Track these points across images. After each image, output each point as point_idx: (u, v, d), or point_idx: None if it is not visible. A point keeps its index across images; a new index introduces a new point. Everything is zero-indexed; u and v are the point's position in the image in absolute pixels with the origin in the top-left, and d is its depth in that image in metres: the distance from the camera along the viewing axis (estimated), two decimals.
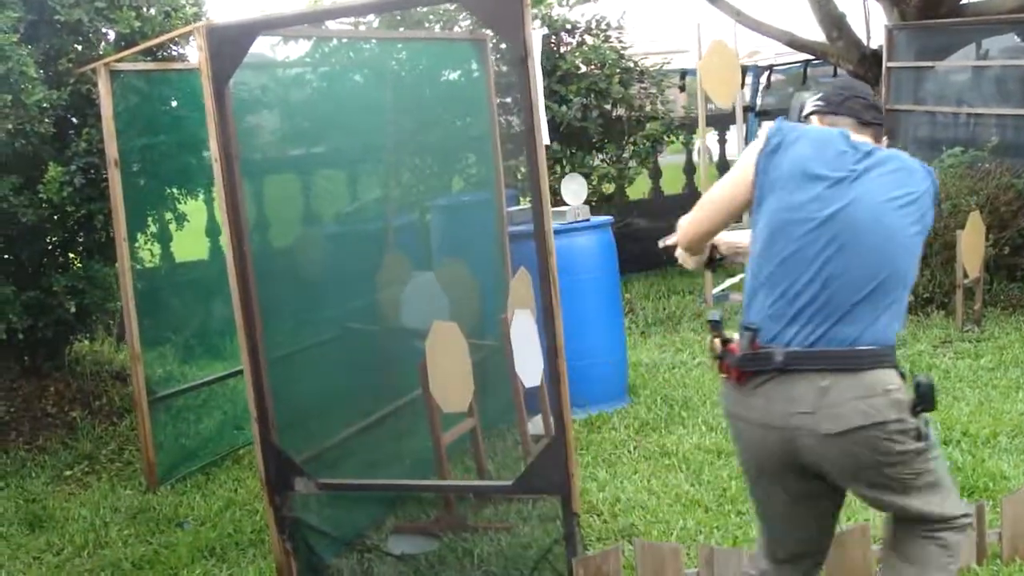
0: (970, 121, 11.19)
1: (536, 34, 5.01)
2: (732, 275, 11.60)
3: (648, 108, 11.40)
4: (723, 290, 10.51)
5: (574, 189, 7.47)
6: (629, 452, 6.48)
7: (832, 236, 3.16)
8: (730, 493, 5.65)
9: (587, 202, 10.16)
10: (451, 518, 5.51)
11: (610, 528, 5.39)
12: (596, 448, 6.57)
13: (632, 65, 11.30)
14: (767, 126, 3.32)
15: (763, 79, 13.61)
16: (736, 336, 3.27)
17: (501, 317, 5.70)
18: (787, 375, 3.15)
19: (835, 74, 14.58)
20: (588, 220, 7.42)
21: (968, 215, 8.71)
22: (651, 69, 11.61)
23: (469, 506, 5.65)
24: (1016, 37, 11.52)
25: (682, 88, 13.31)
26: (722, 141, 13.52)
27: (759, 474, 3.37)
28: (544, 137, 4.77)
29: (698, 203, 3.53)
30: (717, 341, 3.29)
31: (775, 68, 14.20)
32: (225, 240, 4.62)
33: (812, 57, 13.85)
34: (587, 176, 10.40)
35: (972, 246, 8.63)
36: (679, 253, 3.74)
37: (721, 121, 13.49)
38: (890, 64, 11.75)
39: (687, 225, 3.54)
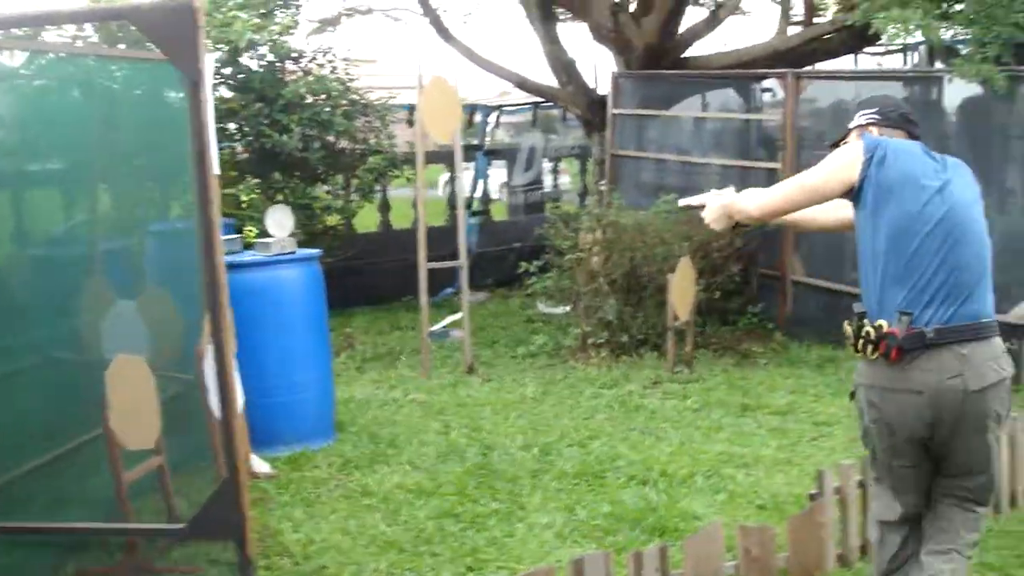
0: (689, 169, 11.55)
1: (209, 57, 4.82)
2: (454, 311, 11.61)
3: (372, 141, 11.30)
4: (444, 327, 10.47)
5: (278, 220, 7.24)
6: (329, 491, 6.29)
7: (947, 233, 3.82)
8: (426, 534, 5.54)
9: (311, 234, 9.96)
10: (136, 562, 5.21)
11: (301, 570, 5.20)
12: (296, 487, 6.34)
13: (357, 98, 11.16)
14: (864, 139, 3.95)
15: (492, 118, 13.71)
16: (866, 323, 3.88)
17: (196, 349, 5.44)
18: (934, 348, 3.78)
19: (564, 118, 14.86)
20: (294, 252, 7.21)
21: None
22: (376, 103, 11.50)
23: (156, 549, 5.36)
24: (734, 92, 11.96)
25: (410, 123, 13.24)
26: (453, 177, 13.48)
27: (896, 435, 3.92)
28: (215, 166, 4.62)
29: (788, 185, 4.14)
30: (871, 329, 3.85)
31: (504, 108, 14.34)
32: None
33: (542, 100, 14.05)
34: (308, 208, 10.21)
35: (682, 291, 8.84)
36: (709, 213, 4.39)
37: (450, 158, 13.56)
38: (615, 111, 12.03)
39: (772, 200, 4.15)
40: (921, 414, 3.81)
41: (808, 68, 12.59)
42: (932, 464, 3.97)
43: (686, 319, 8.99)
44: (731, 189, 4.44)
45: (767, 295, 10.50)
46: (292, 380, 7.08)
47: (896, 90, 10.09)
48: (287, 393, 7.02)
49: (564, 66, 12.98)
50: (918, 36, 11.24)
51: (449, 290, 12.93)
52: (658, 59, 12.10)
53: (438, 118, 8.80)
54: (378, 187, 12.10)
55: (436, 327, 10.35)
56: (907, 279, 3.81)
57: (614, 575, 4.54)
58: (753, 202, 4.21)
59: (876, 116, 4.20)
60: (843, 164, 3.95)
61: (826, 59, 12.97)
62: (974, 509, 4.00)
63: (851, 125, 4.25)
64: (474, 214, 13.44)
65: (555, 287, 9.99)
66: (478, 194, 13.85)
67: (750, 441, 7.05)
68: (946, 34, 13.10)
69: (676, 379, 8.68)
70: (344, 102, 10.83)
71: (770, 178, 10.46)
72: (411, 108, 13.17)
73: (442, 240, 13.43)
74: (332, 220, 11.31)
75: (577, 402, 8.06)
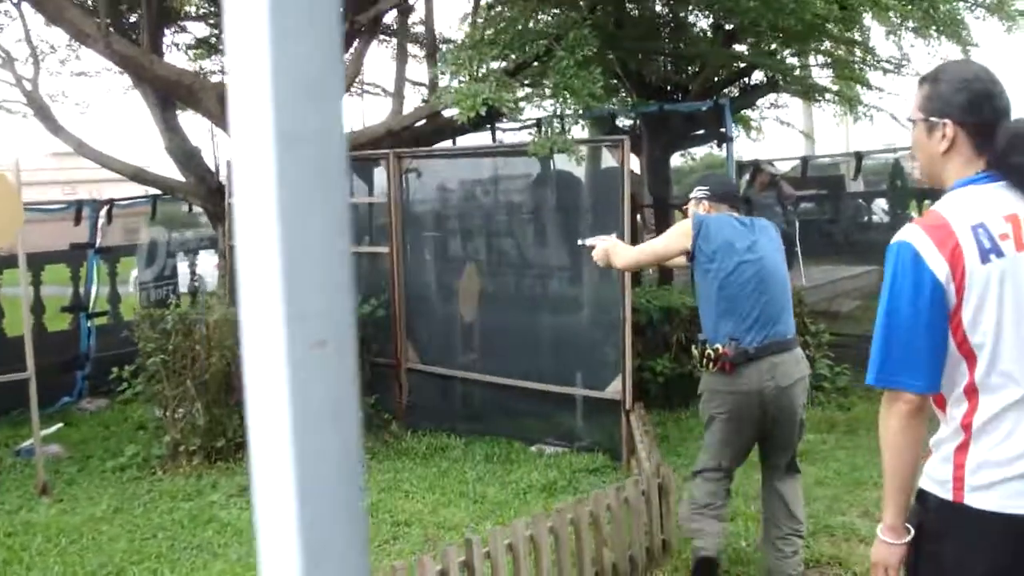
0: None
1: None
2: (69, 423, 10.80)
3: None
4: (31, 443, 9.63)
5: None
6: None
7: (758, 279, 5.32)
8: None
9: None
10: None
11: None
12: None
13: None
14: (694, 218, 5.52)
15: (103, 214, 12.89)
16: (706, 346, 5.38)
17: None
18: (755, 360, 5.26)
19: (190, 209, 14.18)
20: None
21: None
22: None
23: None
24: (356, 176, 11.56)
25: None
26: (36, 282, 12.39)
27: (738, 422, 5.38)
28: None
29: (643, 249, 5.93)
30: (711, 351, 5.32)
31: (117, 203, 13.53)
32: None
33: (160, 192, 13.35)
34: None
35: None
36: (597, 252, 5.89)
37: (38, 259, 12.65)
38: (231, 200, 11.46)
39: (631, 259, 5.89)
40: (751, 406, 5.30)
41: (444, 146, 12.43)
42: (754, 442, 5.54)
43: None
44: (614, 236, 6.10)
45: (383, 384, 10.09)
46: None
47: (490, 165, 9.97)
48: None
49: (186, 156, 12.34)
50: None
51: (66, 399, 12.04)
52: None
53: None
54: None
55: (24, 444, 9.52)
56: (732, 314, 5.30)
57: None
58: (620, 257, 5.85)
59: (708, 192, 5.73)
60: (679, 235, 5.58)
61: (454, 137, 12.81)
62: (796, 475, 5.58)
63: (690, 196, 5.81)
64: (89, 316, 12.57)
65: (147, 392, 9.27)
66: (97, 295, 12.93)
67: None
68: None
69: None
70: None
71: (379, 262, 10.12)
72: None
73: (63, 345, 12.54)
74: None
75: (149, 519, 7.39)
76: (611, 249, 5.83)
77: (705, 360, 5.35)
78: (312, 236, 0.87)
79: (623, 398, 8.18)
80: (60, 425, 10.44)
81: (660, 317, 10.26)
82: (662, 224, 14.65)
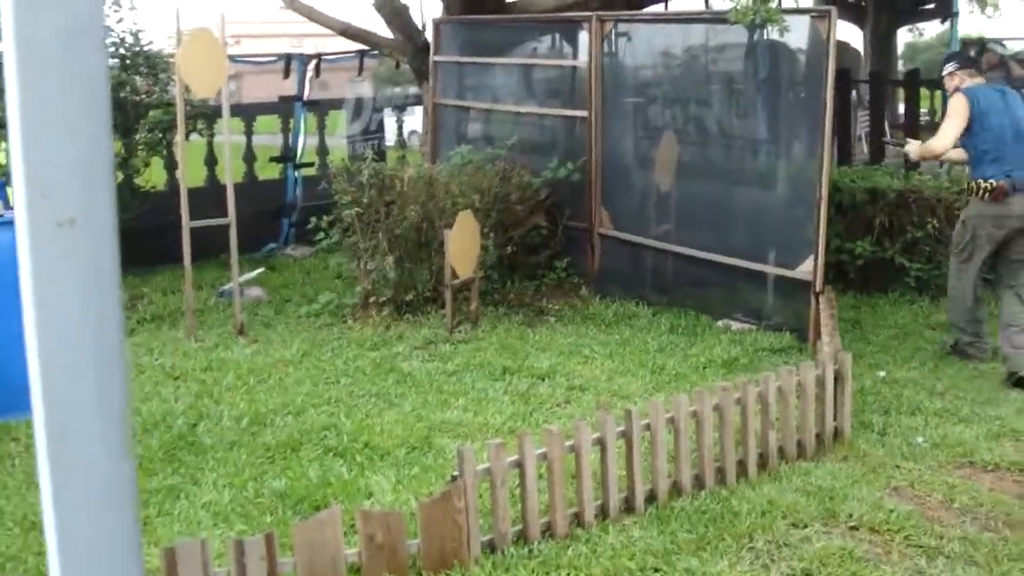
0: (503, 117, 11.09)
1: None
2: (272, 268, 11.18)
3: (156, 95, 10.66)
4: (248, 280, 10.02)
5: None
6: (10, 468, 5.82)
7: (1016, 135, 7.45)
8: None
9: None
10: None
11: None
12: None
13: (138, 49, 10.52)
14: (965, 92, 7.54)
15: (310, 68, 13.11)
16: (982, 182, 7.48)
17: None
18: (1018, 192, 7.38)
19: (397, 66, 14.29)
20: None
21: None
22: (162, 54, 10.85)
23: None
24: (561, 37, 11.44)
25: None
26: (249, 132, 12.74)
27: (993, 243, 7.54)
28: None
29: (944, 137, 7.69)
30: (987, 184, 7.40)
31: (324, 57, 13.73)
32: None
33: (367, 48, 13.48)
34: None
35: (462, 246, 8.40)
36: (914, 154, 8.42)
37: (250, 110, 12.96)
38: (436, 58, 11.52)
39: (940, 145, 7.77)
40: (1010, 227, 7.46)
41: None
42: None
43: (469, 275, 8.56)
44: (914, 144, 8.41)
45: (576, 249, 10.08)
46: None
47: (694, 32, 9.68)
48: None
49: (394, 13, 12.41)
50: None
51: (272, 245, 12.45)
52: (481, 3, 11.58)
53: (201, 73, 8.20)
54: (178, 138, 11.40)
55: (226, 286, 9.88)
56: (1002, 159, 7.41)
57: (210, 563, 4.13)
58: (930, 148, 8.02)
59: (955, 65, 7.82)
60: (962, 110, 7.46)
61: (665, 1, 12.52)
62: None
63: (943, 73, 7.88)
64: (297, 167, 12.91)
65: (341, 243, 9.47)
66: (305, 146, 13.26)
67: (487, 408, 6.62)
68: None
69: (452, 339, 8.25)
70: (124, 52, 10.21)
71: (577, 126, 10.03)
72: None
73: (273, 194, 12.95)
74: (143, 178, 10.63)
75: (334, 365, 7.60)
76: (915, 148, 8.32)
77: (981, 191, 7.47)
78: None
79: (814, 279, 7.97)
80: (262, 270, 10.81)
81: (864, 198, 9.90)
82: (877, 100, 14.11)
